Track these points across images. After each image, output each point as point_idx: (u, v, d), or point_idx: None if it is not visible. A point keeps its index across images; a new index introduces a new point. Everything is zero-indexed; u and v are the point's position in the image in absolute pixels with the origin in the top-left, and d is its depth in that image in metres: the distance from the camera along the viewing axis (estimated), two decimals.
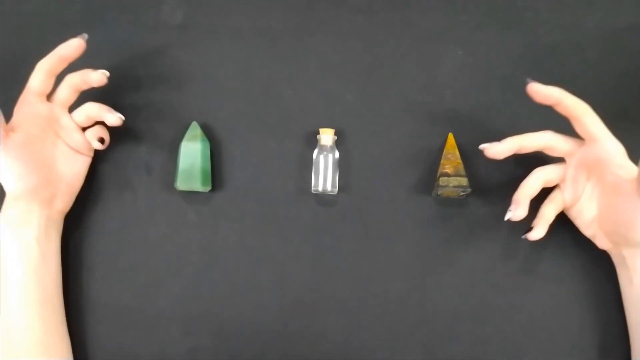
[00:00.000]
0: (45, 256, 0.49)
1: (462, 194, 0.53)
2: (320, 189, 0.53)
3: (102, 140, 0.52)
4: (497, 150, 0.49)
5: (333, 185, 0.53)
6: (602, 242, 0.50)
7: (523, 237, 0.50)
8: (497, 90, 0.57)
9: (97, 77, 0.50)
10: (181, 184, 0.53)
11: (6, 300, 0.47)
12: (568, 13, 0.58)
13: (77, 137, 0.52)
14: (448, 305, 0.53)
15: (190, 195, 0.55)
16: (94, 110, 0.51)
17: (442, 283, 0.54)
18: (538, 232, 0.50)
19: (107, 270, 0.54)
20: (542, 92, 0.47)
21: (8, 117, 0.51)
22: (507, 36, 0.58)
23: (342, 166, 0.55)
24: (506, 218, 0.49)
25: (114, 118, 0.51)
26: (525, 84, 0.48)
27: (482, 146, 0.50)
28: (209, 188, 0.54)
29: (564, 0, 0.59)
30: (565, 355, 0.52)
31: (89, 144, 0.53)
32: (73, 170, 0.52)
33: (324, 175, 0.53)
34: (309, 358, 0.52)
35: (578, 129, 0.48)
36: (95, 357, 0.52)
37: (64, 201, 0.52)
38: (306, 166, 0.55)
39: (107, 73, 0.51)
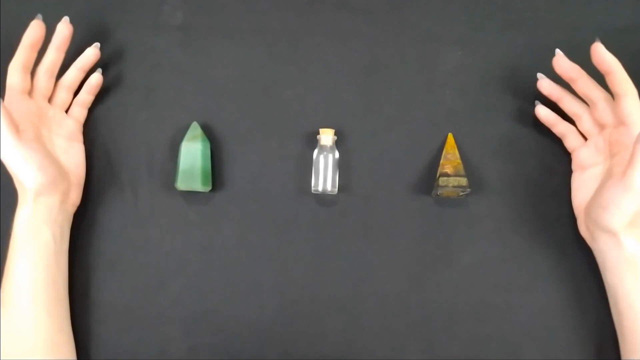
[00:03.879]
0: (58, 254, 0.49)
1: (462, 194, 0.53)
2: (320, 189, 0.53)
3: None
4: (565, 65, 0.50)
5: (333, 185, 0.53)
6: (581, 228, 0.51)
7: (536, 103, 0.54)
8: (497, 90, 0.57)
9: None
10: (181, 184, 0.53)
11: (18, 300, 0.47)
12: (568, 13, 0.58)
13: (67, 123, 0.53)
14: (447, 305, 0.53)
15: (190, 195, 0.55)
16: (71, 75, 0.54)
17: (441, 283, 0.54)
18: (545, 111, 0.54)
19: (108, 270, 0.54)
20: (602, 55, 0.47)
21: None
22: (507, 36, 0.58)
23: (342, 166, 0.55)
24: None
25: (92, 51, 0.54)
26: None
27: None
28: (209, 188, 0.54)
29: (564, 0, 0.59)
30: (563, 355, 0.52)
31: (79, 129, 0.54)
32: (75, 160, 0.53)
33: (324, 175, 0.53)
34: (309, 358, 0.52)
35: (617, 108, 0.47)
36: (95, 357, 0.52)
37: (77, 193, 0.52)
38: (306, 166, 0.55)
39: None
